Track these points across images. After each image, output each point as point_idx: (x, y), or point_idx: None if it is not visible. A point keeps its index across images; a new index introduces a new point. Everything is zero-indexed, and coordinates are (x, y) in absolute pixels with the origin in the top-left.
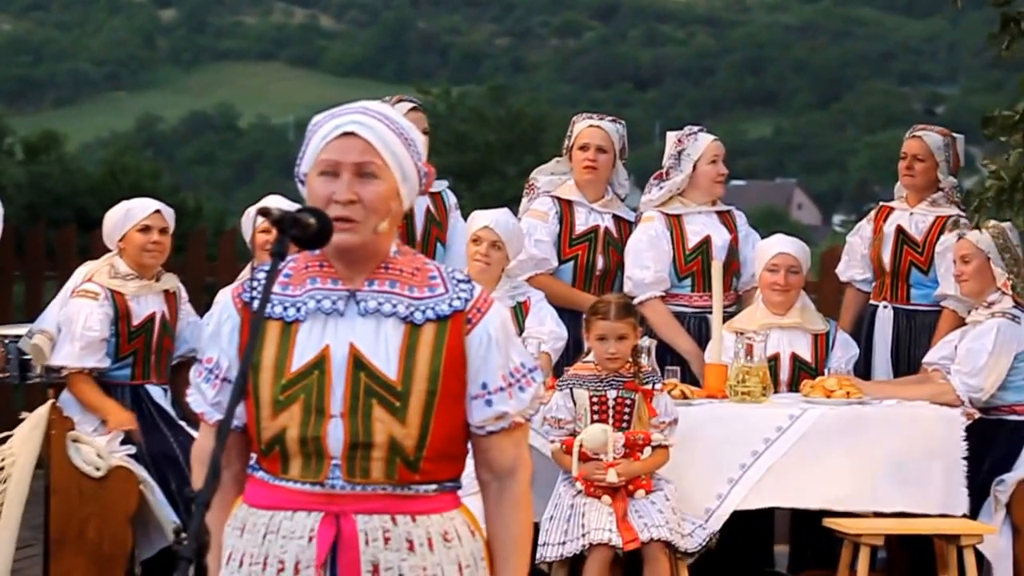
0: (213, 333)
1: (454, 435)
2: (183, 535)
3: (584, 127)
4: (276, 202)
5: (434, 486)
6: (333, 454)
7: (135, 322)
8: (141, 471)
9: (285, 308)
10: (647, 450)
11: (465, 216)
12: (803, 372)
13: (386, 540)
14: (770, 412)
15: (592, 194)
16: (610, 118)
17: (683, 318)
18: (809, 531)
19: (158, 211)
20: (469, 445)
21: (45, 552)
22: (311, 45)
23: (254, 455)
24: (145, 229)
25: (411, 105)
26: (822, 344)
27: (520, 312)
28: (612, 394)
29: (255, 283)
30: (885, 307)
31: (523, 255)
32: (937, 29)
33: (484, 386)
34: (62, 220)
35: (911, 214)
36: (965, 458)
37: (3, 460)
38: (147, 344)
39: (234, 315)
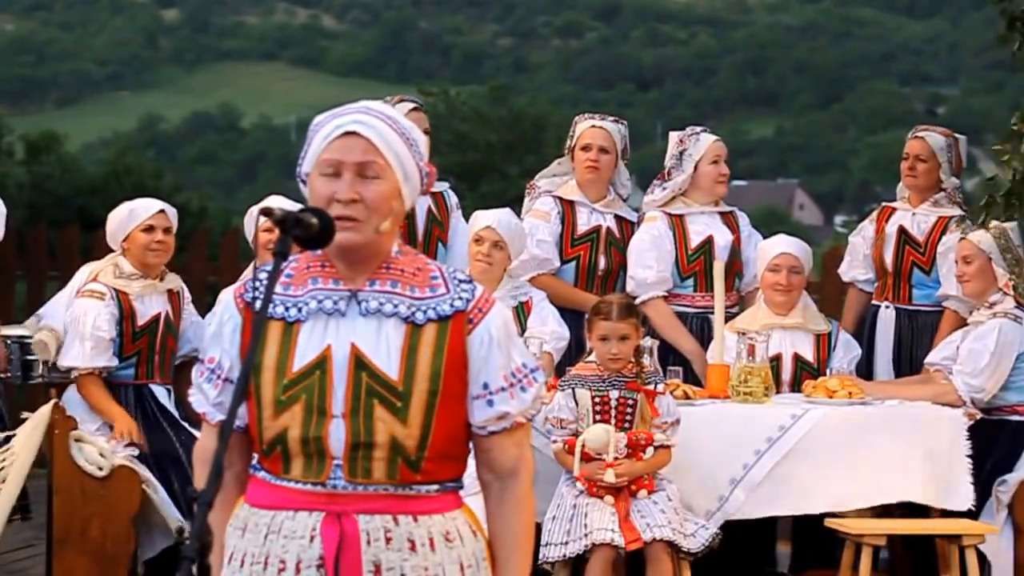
0: (215, 333)
1: (455, 435)
2: (186, 535)
3: (586, 127)
4: (278, 202)
5: (436, 486)
6: (335, 454)
7: (139, 322)
8: (144, 471)
9: (287, 308)
10: (649, 450)
11: (466, 216)
12: (805, 372)
13: (388, 540)
14: (772, 412)
15: (594, 194)
16: (612, 118)
17: (685, 318)
18: (811, 531)
19: (162, 211)
20: (471, 445)
21: (48, 551)
22: (313, 45)
23: (256, 455)
24: (149, 229)
25: (412, 105)
26: (824, 344)
27: (522, 312)
28: (614, 394)
29: (257, 283)
30: (887, 307)
31: (525, 255)
32: (938, 30)
33: (485, 386)
34: (64, 220)
35: (913, 214)
36: (968, 458)
37: (3, 460)
38: (151, 344)
39: (236, 315)
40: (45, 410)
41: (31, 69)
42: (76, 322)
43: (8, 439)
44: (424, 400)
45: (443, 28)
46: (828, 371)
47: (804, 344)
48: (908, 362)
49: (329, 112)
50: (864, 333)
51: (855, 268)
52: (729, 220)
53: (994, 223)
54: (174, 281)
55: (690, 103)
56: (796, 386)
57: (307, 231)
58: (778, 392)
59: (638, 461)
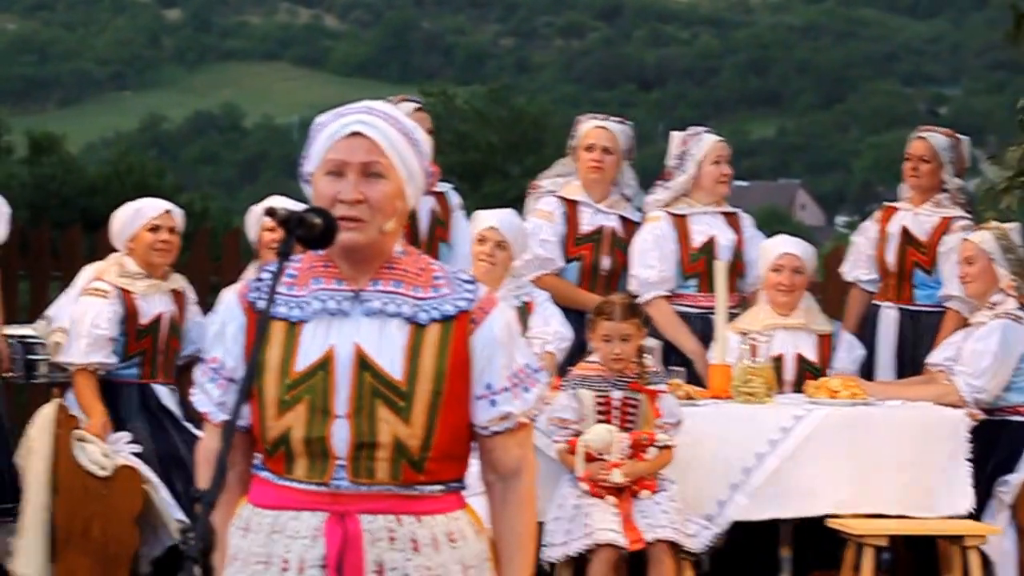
0: (218, 333)
1: (459, 435)
2: (190, 535)
3: (590, 128)
4: (279, 202)
5: (439, 486)
6: (338, 454)
7: (143, 321)
8: (146, 471)
9: (290, 308)
10: (652, 451)
11: (467, 216)
12: (807, 373)
13: (391, 540)
14: (774, 413)
15: (598, 195)
16: (616, 119)
17: (687, 318)
18: (812, 532)
19: (168, 211)
20: (474, 445)
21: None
22: (315, 45)
23: (258, 455)
24: (155, 228)
25: (415, 105)
26: (826, 345)
27: (525, 312)
28: (617, 394)
29: (260, 283)
30: (889, 308)
31: (529, 255)
32: (940, 30)
33: (489, 386)
34: (66, 220)
35: (916, 215)
36: (970, 459)
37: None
38: (155, 344)
39: (239, 315)
40: (49, 409)
41: (33, 69)
42: (77, 320)
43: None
44: (427, 400)
45: (445, 28)
46: (830, 371)
47: (806, 344)
48: (910, 362)
49: (332, 112)
50: (866, 333)
51: (858, 268)
52: (732, 220)
53: (996, 223)
54: (178, 281)
55: (692, 103)
56: (798, 386)
57: (310, 231)
58: (780, 392)
59: (640, 461)
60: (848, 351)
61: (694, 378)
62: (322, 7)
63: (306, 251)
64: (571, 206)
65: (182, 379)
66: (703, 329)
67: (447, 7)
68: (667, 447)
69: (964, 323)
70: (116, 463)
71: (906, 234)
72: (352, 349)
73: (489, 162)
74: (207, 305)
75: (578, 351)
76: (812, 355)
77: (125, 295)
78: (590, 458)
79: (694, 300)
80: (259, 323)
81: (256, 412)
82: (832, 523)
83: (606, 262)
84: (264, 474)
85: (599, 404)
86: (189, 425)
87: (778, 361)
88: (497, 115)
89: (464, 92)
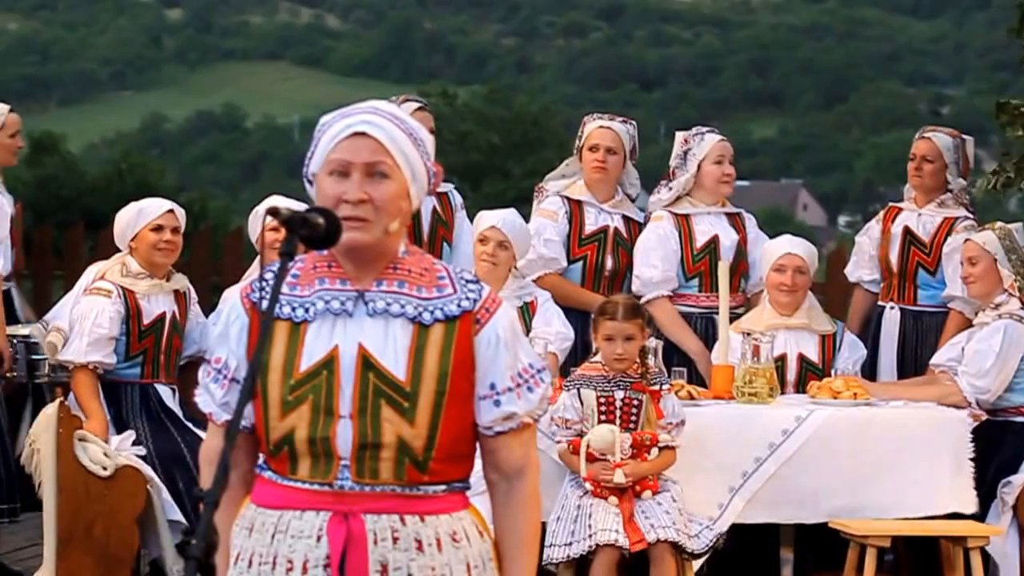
0: (222, 333)
1: (463, 436)
2: (191, 535)
3: (594, 128)
4: (279, 202)
5: (443, 486)
6: (342, 455)
7: (145, 321)
8: (148, 471)
9: (293, 309)
10: (654, 451)
11: (469, 216)
12: (810, 373)
13: (395, 540)
14: (777, 413)
15: (602, 195)
16: (620, 119)
17: (690, 318)
18: (815, 532)
19: (171, 210)
20: (477, 446)
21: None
22: (317, 45)
23: (262, 455)
24: (158, 228)
25: (417, 105)
26: (829, 345)
27: (527, 312)
28: (619, 395)
29: (263, 283)
30: (892, 308)
31: (532, 254)
32: (943, 30)
33: (492, 386)
34: (69, 220)
35: (919, 215)
36: (973, 459)
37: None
38: (157, 344)
39: (243, 315)
40: (52, 409)
41: (35, 69)
42: (79, 319)
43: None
44: (431, 400)
45: (447, 28)
46: (833, 372)
47: (809, 345)
48: (913, 363)
49: (336, 112)
50: (869, 334)
51: (861, 268)
52: (736, 221)
53: (999, 224)
54: (181, 281)
55: (694, 103)
56: (801, 387)
57: (313, 231)
58: (783, 393)
59: (643, 462)
60: (851, 351)
61: (696, 378)
62: (323, 7)
63: (309, 251)
64: (575, 206)
65: (183, 379)
66: (705, 329)
67: (449, 7)
68: (670, 447)
69: (967, 324)
70: (118, 463)
71: (909, 234)
72: (356, 349)
73: (490, 162)
74: (209, 306)
75: (582, 351)
76: (814, 355)
77: (128, 295)
78: (592, 458)
79: (696, 300)
80: (261, 323)
81: (260, 412)
82: (834, 523)
83: (610, 262)
84: (268, 474)
85: (601, 404)
86: (191, 425)
87: (781, 361)
88: (498, 115)
89: (465, 92)
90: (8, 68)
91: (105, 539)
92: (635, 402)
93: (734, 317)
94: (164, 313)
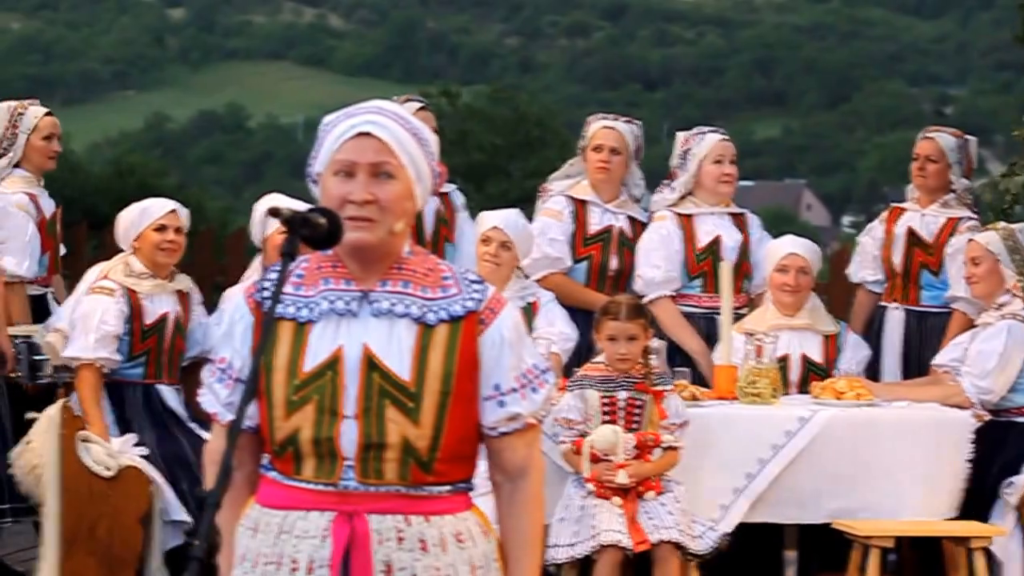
0: (226, 333)
1: (467, 436)
2: (194, 536)
3: (598, 128)
4: (278, 201)
5: (447, 487)
6: (346, 455)
7: (148, 321)
8: (151, 471)
9: (298, 309)
10: (657, 452)
11: (471, 217)
12: (813, 373)
13: (399, 540)
14: (780, 414)
15: (606, 195)
16: (625, 119)
17: (692, 318)
18: (818, 533)
19: (174, 210)
20: (481, 446)
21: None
22: (320, 45)
23: (266, 455)
24: (161, 228)
25: (419, 105)
26: (832, 345)
27: (529, 313)
28: (622, 395)
29: (267, 283)
30: (895, 308)
31: (538, 254)
32: (946, 30)
33: (497, 387)
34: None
35: (922, 215)
36: (972, 460)
37: (35, 467)
38: (159, 344)
39: (247, 315)
40: (54, 410)
41: (37, 68)
42: (84, 317)
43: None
44: (436, 401)
45: (450, 27)
46: (836, 372)
47: (812, 345)
48: (916, 363)
49: (340, 112)
50: (872, 334)
51: (864, 269)
52: (739, 221)
53: (1002, 224)
54: (184, 282)
55: (697, 103)
56: (804, 387)
57: (315, 231)
58: (786, 393)
59: (646, 462)
60: (854, 352)
61: (698, 379)
62: (326, 6)
63: (312, 251)
64: (580, 205)
65: (186, 380)
66: (707, 329)
67: (452, 6)
68: (673, 448)
69: (970, 324)
70: (121, 463)
71: (912, 235)
72: (360, 349)
73: (492, 162)
74: (212, 306)
75: (587, 351)
76: (818, 356)
77: (131, 294)
78: (595, 459)
79: (698, 300)
80: (263, 324)
81: (264, 412)
82: (838, 524)
83: (614, 262)
84: (272, 474)
85: (604, 405)
86: (194, 426)
87: (784, 362)
88: (500, 115)
89: (467, 92)
90: (11, 68)
91: (108, 540)
92: (638, 402)
93: (737, 317)
94: (167, 313)
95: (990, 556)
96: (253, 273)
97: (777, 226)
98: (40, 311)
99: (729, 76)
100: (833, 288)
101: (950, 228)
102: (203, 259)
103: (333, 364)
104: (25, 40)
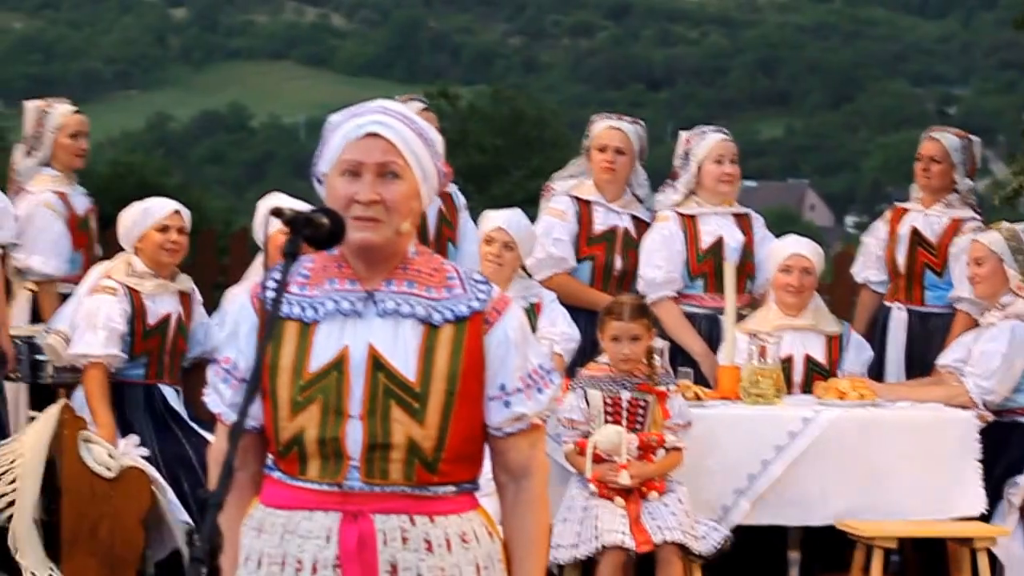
0: (231, 333)
1: (472, 436)
2: (196, 536)
3: (603, 128)
4: (277, 201)
5: (452, 487)
6: (351, 455)
7: (150, 321)
8: (153, 472)
9: (303, 309)
10: (660, 452)
11: (473, 218)
12: (816, 374)
13: (404, 540)
14: (783, 415)
15: (610, 195)
16: (629, 119)
17: (695, 319)
18: (821, 533)
19: (177, 211)
20: (486, 446)
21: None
22: (322, 44)
23: (270, 456)
24: (164, 229)
25: (422, 105)
26: (835, 346)
27: (532, 313)
28: (626, 395)
29: (271, 283)
30: (899, 309)
31: (542, 253)
32: (950, 30)
33: (502, 387)
34: None
35: (926, 215)
36: (980, 460)
37: (13, 463)
38: (161, 344)
39: (252, 315)
40: (54, 410)
41: (39, 68)
42: (89, 315)
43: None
44: (441, 401)
45: (453, 27)
46: (839, 373)
47: (815, 345)
48: (919, 364)
49: (346, 112)
50: (876, 335)
51: (868, 269)
52: (743, 222)
53: (1006, 224)
54: (186, 282)
55: (701, 103)
56: (807, 388)
57: (318, 231)
58: (789, 394)
59: (649, 463)
60: (857, 352)
61: (700, 379)
62: (329, 6)
63: (314, 251)
64: (584, 206)
65: (188, 381)
66: (709, 329)
67: (455, 6)
68: (676, 449)
69: (974, 325)
70: (122, 464)
71: (916, 235)
72: (366, 350)
73: (494, 163)
74: (213, 307)
75: (591, 351)
76: (821, 356)
77: (133, 294)
78: (598, 459)
79: (701, 301)
80: (266, 324)
81: (269, 413)
82: (841, 525)
83: (618, 262)
84: (277, 475)
85: (608, 405)
86: (195, 426)
87: (787, 362)
88: (501, 116)
89: (469, 93)
90: (12, 67)
91: (110, 540)
92: (641, 403)
93: (740, 318)
94: (169, 314)
95: (993, 557)
96: (253, 273)
97: (780, 226)
98: None
99: (733, 76)
100: (836, 288)
101: (954, 228)
102: (205, 259)
103: (339, 364)
104: (27, 39)
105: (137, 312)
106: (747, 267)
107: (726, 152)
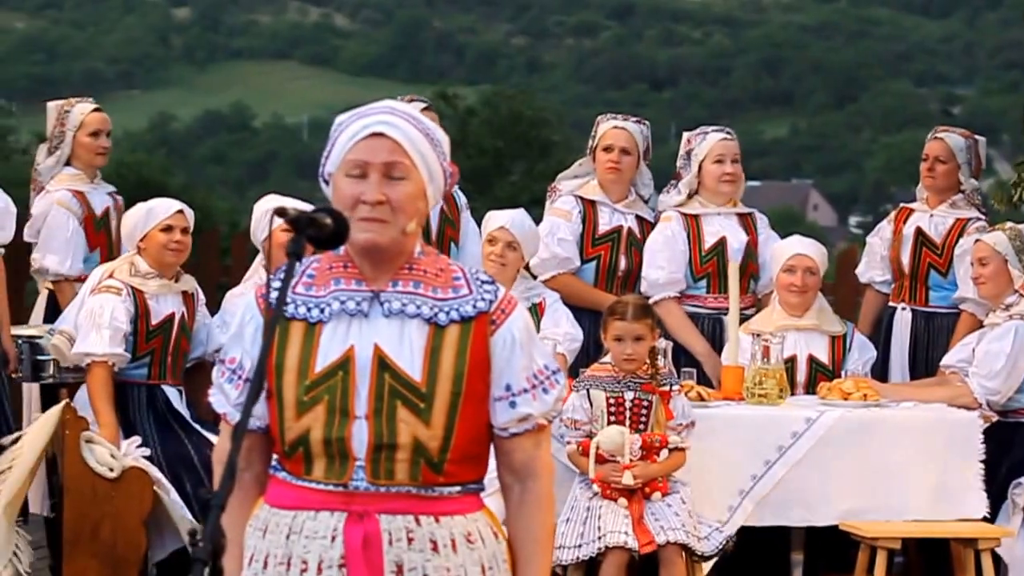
0: (236, 334)
1: (478, 437)
2: (198, 537)
3: (608, 128)
4: (276, 202)
5: (458, 487)
6: (357, 455)
7: (154, 321)
8: (155, 472)
9: (309, 309)
10: (664, 452)
11: (476, 217)
12: (820, 374)
13: (409, 540)
14: (786, 415)
15: (615, 195)
16: (634, 119)
17: (698, 319)
18: (825, 534)
19: (180, 211)
20: (491, 447)
21: (57, 552)
22: (325, 44)
23: (275, 456)
24: (167, 229)
25: (424, 105)
26: (839, 346)
27: (535, 313)
28: (629, 395)
29: (276, 283)
30: (903, 309)
31: (546, 253)
32: (953, 30)
33: (508, 388)
34: None
35: (931, 216)
36: (983, 461)
37: (12, 461)
38: (164, 344)
39: (257, 316)
40: (55, 410)
41: (41, 68)
42: (93, 314)
43: (16, 439)
44: (447, 401)
45: (456, 27)
46: (843, 373)
47: (819, 346)
48: (924, 364)
49: (352, 112)
50: (880, 335)
51: (872, 269)
52: (747, 222)
53: (1010, 224)
54: (189, 283)
55: (704, 103)
56: (811, 388)
57: (321, 231)
58: (793, 394)
59: (652, 463)
60: (861, 353)
61: (703, 379)
62: (332, 6)
63: (315, 251)
64: (589, 206)
65: (190, 381)
66: (712, 330)
67: (458, 6)
68: (679, 449)
69: (979, 325)
70: (125, 464)
71: (921, 235)
72: (372, 350)
73: (495, 164)
74: (215, 307)
75: (595, 351)
76: (824, 357)
77: (137, 294)
78: (601, 460)
79: (704, 301)
80: (269, 325)
81: (274, 413)
82: (845, 525)
83: (623, 262)
84: (282, 475)
85: (611, 405)
86: (198, 427)
87: (790, 363)
88: (503, 117)
89: (471, 93)
90: (15, 67)
91: (112, 541)
92: (645, 403)
93: (744, 318)
94: (172, 314)
95: (997, 558)
96: (254, 274)
97: (784, 226)
98: None
99: (736, 76)
100: (840, 289)
101: (959, 229)
102: (208, 260)
103: (344, 364)
104: (29, 39)
105: (141, 312)
106: (751, 267)
107: (727, 152)
